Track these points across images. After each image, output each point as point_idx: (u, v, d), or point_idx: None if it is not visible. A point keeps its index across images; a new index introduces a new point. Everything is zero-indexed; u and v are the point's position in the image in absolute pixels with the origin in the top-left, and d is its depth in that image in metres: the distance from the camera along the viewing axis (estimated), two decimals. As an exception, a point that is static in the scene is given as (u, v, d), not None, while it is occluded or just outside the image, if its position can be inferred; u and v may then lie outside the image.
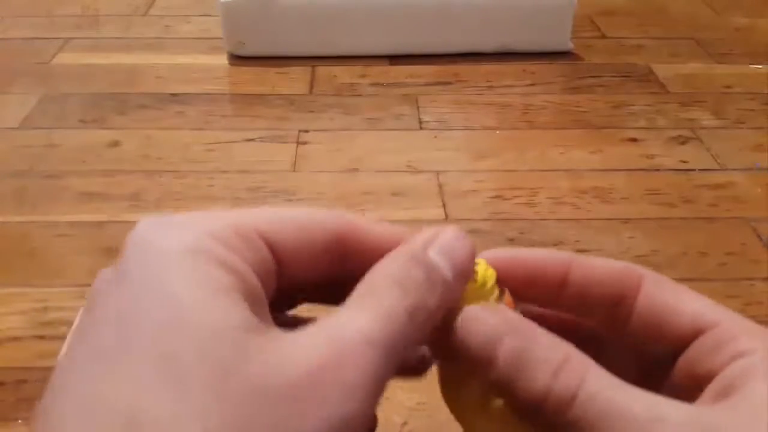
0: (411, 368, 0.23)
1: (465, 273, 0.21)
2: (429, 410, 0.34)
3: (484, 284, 0.21)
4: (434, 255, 0.20)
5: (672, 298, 0.21)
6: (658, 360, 0.20)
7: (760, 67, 0.70)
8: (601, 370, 0.18)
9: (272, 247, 0.20)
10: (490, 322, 0.20)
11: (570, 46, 0.72)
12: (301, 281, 0.21)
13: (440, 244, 0.20)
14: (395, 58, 0.70)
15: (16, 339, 0.39)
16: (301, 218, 0.21)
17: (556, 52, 0.71)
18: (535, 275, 0.22)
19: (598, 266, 0.22)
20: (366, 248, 0.21)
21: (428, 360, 0.23)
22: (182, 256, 0.18)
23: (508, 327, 0.19)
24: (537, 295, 0.22)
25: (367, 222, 0.22)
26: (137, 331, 0.17)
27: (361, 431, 0.17)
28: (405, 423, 0.34)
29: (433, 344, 0.21)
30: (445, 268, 0.20)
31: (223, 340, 0.17)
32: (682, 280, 0.48)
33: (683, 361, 0.20)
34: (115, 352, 0.17)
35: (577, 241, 0.47)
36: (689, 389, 0.19)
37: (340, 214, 0.21)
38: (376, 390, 0.17)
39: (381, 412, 0.36)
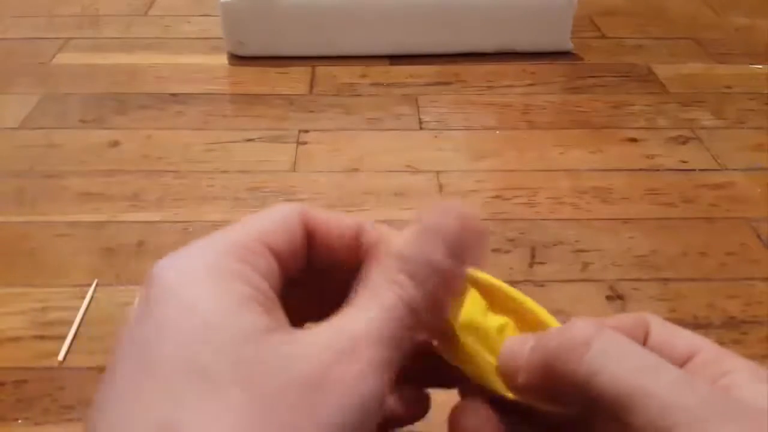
0: (440, 381, 0.24)
1: (466, 260, 0.22)
2: (429, 410, 0.34)
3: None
4: (435, 245, 0.21)
5: (669, 334, 0.23)
6: None
7: (760, 67, 0.70)
8: (620, 335, 0.20)
9: (273, 253, 0.21)
10: (516, 342, 0.21)
11: (570, 46, 0.72)
12: (293, 275, 0.22)
13: (443, 236, 0.21)
14: (395, 58, 0.70)
15: (16, 339, 0.39)
16: (284, 219, 0.22)
17: (556, 52, 0.71)
18: None
19: (620, 320, 0.23)
20: (326, 238, 0.23)
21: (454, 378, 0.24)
22: (199, 275, 0.19)
23: (529, 337, 0.21)
24: None
25: (323, 213, 0.23)
26: (163, 351, 0.18)
27: (375, 410, 0.19)
28: (405, 423, 0.34)
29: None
30: (444, 257, 0.21)
31: (244, 345, 0.18)
32: (682, 280, 0.48)
33: None
34: (147, 372, 0.18)
35: (577, 241, 0.47)
36: None
37: (302, 208, 0.23)
38: (385, 376, 0.19)
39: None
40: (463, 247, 0.21)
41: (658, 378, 0.18)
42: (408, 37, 0.70)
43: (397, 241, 0.21)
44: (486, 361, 0.22)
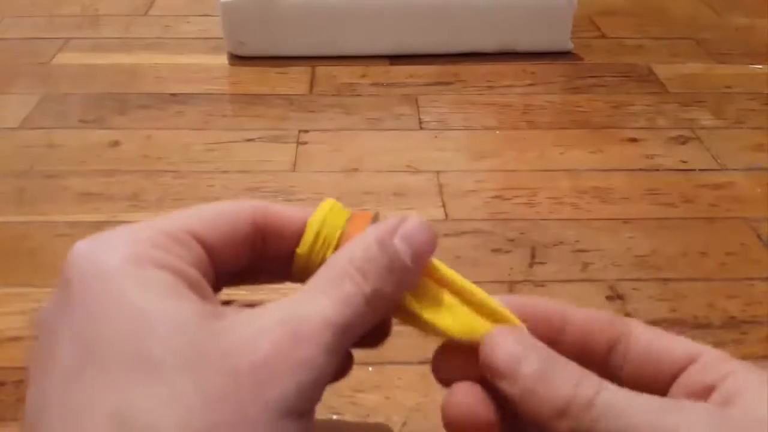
0: (368, 342, 0.24)
1: (424, 260, 0.22)
2: (428, 410, 0.34)
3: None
4: (398, 242, 0.21)
5: (659, 339, 0.23)
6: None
7: (760, 67, 0.70)
8: (615, 385, 0.20)
9: (202, 244, 0.21)
10: (517, 344, 0.21)
11: (570, 46, 0.72)
12: (231, 268, 0.22)
13: (404, 232, 0.21)
14: (395, 58, 0.70)
15: (16, 339, 0.39)
16: (221, 213, 0.22)
17: (556, 52, 0.71)
18: (536, 323, 0.23)
19: (589, 316, 0.23)
20: (281, 231, 0.23)
21: (384, 333, 0.25)
22: (122, 266, 0.19)
23: (532, 347, 0.21)
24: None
25: (280, 206, 0.24)
26: (102, 341, 0.18)
27: (320, 390, 0.19)
28: (404, 423, 0.34)
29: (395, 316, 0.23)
30: (407, 255, 0.21)
31: (185, 330, 0.18)
32: (682, 279, 0.48)
33: (678, 385, 0.22)
34: (88, 364, 0.18)
35: (577, 241, 0.47)
36: None
37: (255, 203, 0.23)
38: (333, 359, 0.19)
39: (381, 412, 0.36)
40: (421, 250, 0.22)
41: (645, 407, 0.19)
42: (408, 37, 0.70)
43: (361, 236, 0.22)
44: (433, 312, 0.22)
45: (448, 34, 0.70)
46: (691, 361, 0.22)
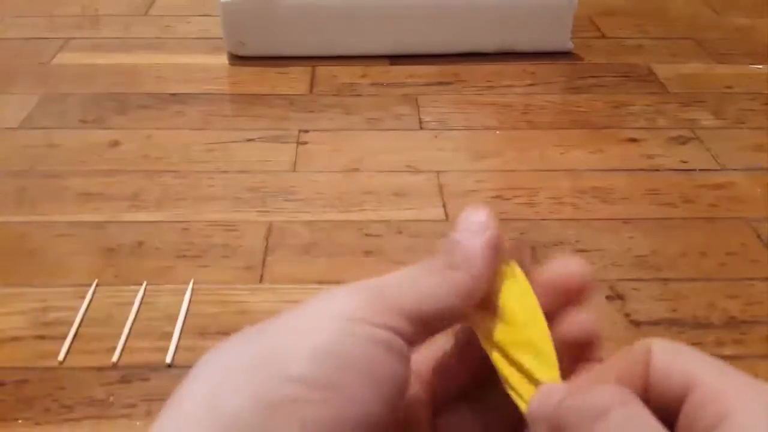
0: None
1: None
2: None
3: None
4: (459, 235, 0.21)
5: (668, 361, 0.20)
6: None
7: (760, 67, 0.70)
8: (640, 407, 0.19)
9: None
10: (550, 389, 0.21)
11: (570, 46, 0.72)
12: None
13: (463, 224, 0.21)
14: (395, 58, 0.70)
15: (16, 339, 0.39)
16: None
17: (556, 52, 0.71)
18: None
19: (616, 361, 0.21)
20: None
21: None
22: (335, 320, 0.20)
23: (560, 388, 0.21)
24: None
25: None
26: (261, 358, 0.19)
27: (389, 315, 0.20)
28: (405, 423, 0.34)
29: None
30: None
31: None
32: (682, 280, 0.48)
33: (679, 427, 0.19)
34: (234, 369, 0.19)
35: (577, 241, 0.47)
36: None
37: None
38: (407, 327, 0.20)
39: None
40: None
41: None
42: (408, 37, 0.70)
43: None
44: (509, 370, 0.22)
45: (448, 34, 0.70)
46: (684, 395, 0.19)
